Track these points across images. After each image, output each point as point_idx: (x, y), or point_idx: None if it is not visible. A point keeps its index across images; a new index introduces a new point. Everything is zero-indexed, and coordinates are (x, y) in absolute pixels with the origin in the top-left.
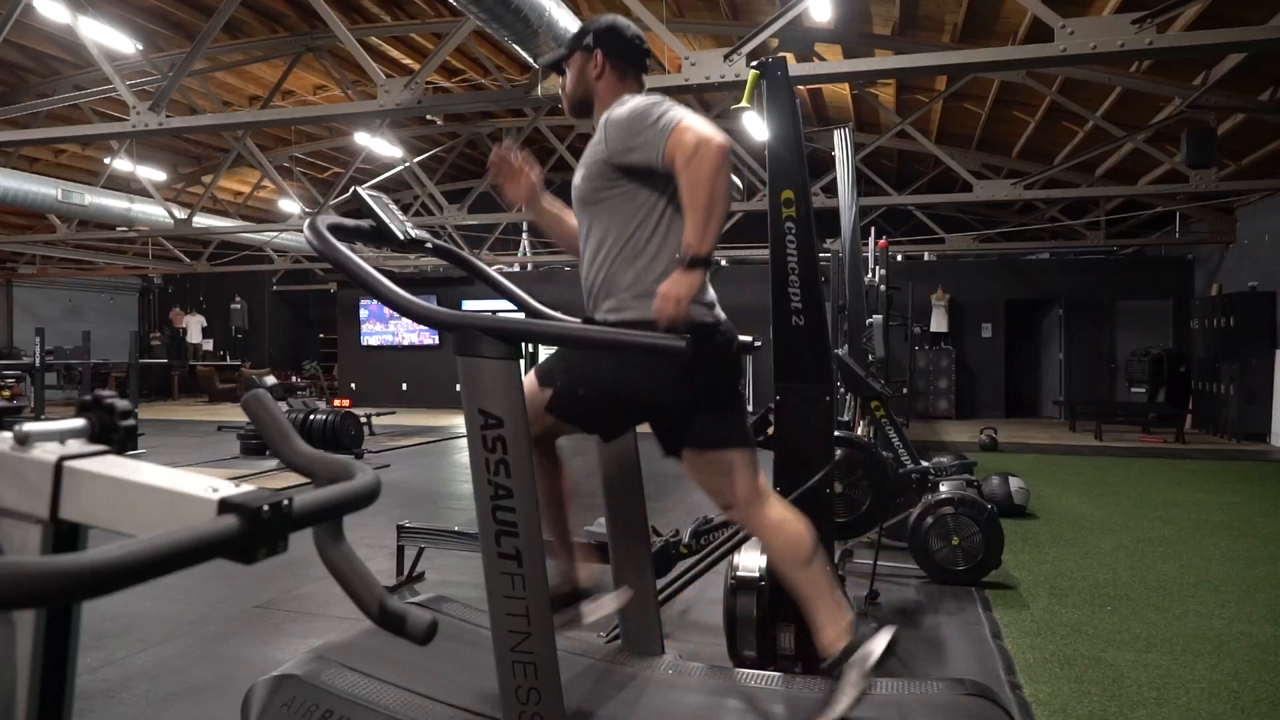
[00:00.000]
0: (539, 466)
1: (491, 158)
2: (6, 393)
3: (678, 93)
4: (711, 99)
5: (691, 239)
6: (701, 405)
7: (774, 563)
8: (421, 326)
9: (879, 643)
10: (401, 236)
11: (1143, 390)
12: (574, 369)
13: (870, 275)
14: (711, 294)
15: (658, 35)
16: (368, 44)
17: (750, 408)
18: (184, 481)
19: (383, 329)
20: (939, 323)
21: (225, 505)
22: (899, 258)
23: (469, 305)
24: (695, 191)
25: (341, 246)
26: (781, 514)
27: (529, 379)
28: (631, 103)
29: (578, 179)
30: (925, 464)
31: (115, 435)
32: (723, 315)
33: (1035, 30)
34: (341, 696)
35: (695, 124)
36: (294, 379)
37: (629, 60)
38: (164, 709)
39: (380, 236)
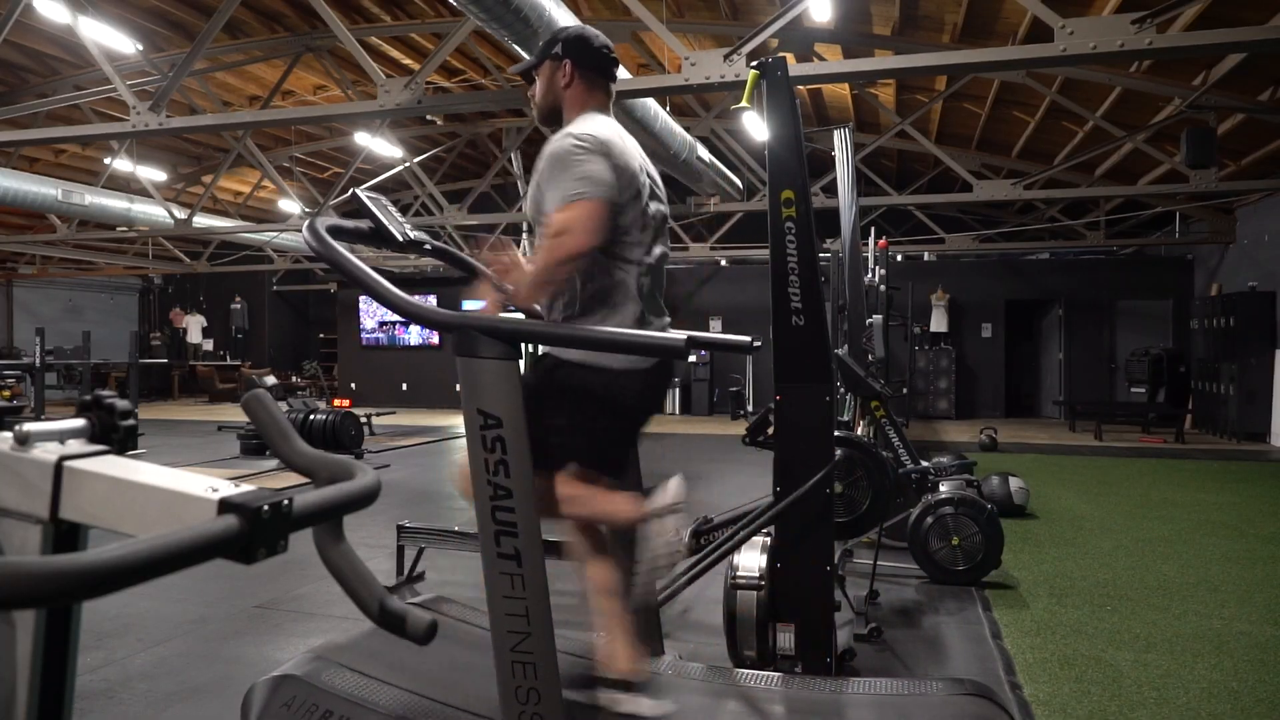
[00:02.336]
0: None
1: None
2: (6, 393)
3: (678, 93)
4: (711, 99)
5: (520, 283)
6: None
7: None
8: (420, 326)
9: (650, 709)
10: (400, 238)
11: (1143, 390)
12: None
13: (870, 275)
14: (635, 306)
15: (658, 35)
16: (368, 44)
17: (750, 408)
18: (184, 481)
19: (385, 319)
20: (939, 323)
21: (225, 505)
22: (899, 258)
23: (468, 305)
24: (542, 260)
25: (340, 248)
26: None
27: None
28: (561, 142)
29: (526, 203)
30: (925, 464)
31: (115, 435)
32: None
33: (1035, 30)
34: (341, 697)
35: (583, 207)
36: (294, 379)
37: (598, 70)
38: (164, 709)
39: (379, 238)
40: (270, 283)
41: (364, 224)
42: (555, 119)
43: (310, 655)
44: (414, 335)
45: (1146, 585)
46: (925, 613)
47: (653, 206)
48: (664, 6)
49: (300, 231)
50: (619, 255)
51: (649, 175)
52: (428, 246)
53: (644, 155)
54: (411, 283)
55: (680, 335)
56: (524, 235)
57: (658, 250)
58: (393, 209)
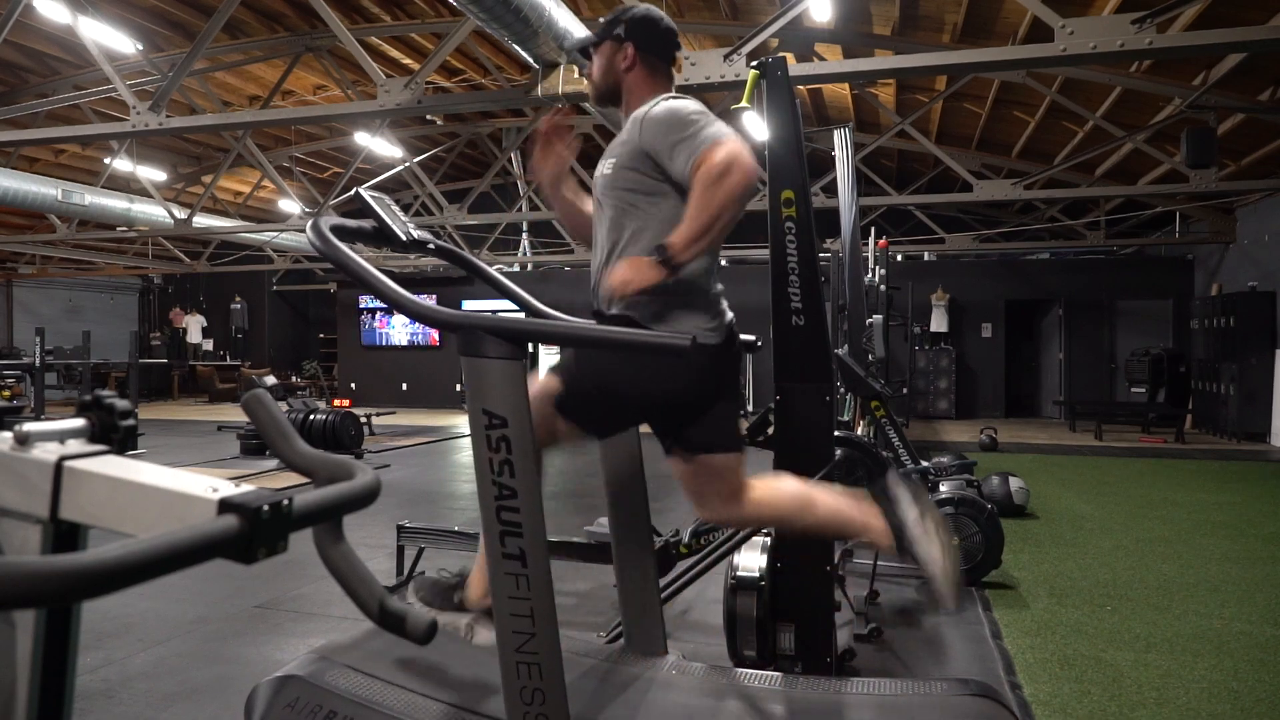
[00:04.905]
0: None
1: (542, 123)
2: (6, 393)
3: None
4: (711, 99)
5: (678, 241)
6: (697, 405)
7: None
8: (423, 326)
9: (917, 517)
10: (404, 237)
11: (1143, 390)
12: (582, 364)
13: (870, 275)
14: (719, 288)
15: None
16: (368, 44)
17: (750, 408)
18: (184, 481)
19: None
20: (939, 323)
21: (225, 505)
22: (899, 258)
23: (469, 305)
24: (704, 208)
25: (344, 248)
26: (756, 497)
27: (546, 378)
28: (671, 104)
29: (606, 169)
30: (925, 464)
31: (115, 435)
32: (727, 311)
33: (1035, 30)
34: (345, 697)
35: (733, 144)
36: (294, 379)
37: (661, 55)
38: (164, 709)
39: (382, 237)
40: (270, 283)
41: (368, 223)
42: (613, 100)
43: (314, 655)
44: (401, 332)
45: (1146, 585)
46: (925, 613)
47: None
48: (664, 7)
49: (300, 231)
50: None
51: None
52: (431, 246)
53: None
54: (413, 283)
55: (682, 335)
56: (524, 235)
57: None
58: (396, 208)
